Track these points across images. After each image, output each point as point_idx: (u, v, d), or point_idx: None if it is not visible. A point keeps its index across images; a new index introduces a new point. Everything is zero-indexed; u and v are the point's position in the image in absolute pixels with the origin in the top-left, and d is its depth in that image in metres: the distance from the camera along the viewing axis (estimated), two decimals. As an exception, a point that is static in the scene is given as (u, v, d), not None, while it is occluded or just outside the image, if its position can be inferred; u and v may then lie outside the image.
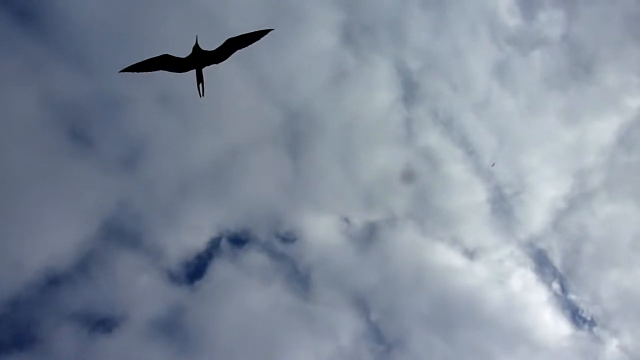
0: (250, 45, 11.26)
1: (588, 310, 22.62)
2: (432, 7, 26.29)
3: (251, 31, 11.07)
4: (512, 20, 26.05)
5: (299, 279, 22.90)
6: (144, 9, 23.43)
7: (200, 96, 11.98)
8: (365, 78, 26.17)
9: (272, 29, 11.18)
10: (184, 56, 11.13)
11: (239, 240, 23.23)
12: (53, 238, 21.29)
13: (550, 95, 25.79)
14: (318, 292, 22.76)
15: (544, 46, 25.97)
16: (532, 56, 26.12)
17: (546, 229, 24.17)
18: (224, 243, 23.03)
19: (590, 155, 24.59)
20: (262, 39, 11.23)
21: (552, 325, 22.85)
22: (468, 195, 25.00)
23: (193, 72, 11.71)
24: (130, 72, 11.30)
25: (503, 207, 24.63)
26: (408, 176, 24.23)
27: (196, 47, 10.93)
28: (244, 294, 22.47)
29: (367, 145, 25.63)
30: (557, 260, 23.77)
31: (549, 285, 23.44)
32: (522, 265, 23.77)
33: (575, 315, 22.73)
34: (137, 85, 24.03)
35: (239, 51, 11.38)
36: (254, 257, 23.10)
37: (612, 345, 22.24)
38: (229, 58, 11.33)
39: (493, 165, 24.60)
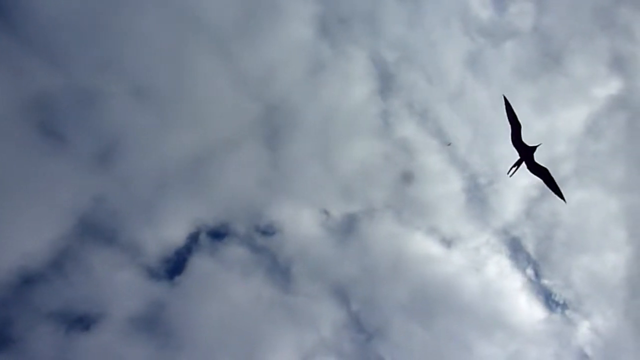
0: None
1: (561, 294, 23.29)
2: (407, -1, 26.61)
3: None
4: (484, 12, 26.54)
5: (280, 271, 22.97)
6: (116, 1, 23.00)
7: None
8: (341, 70, 26.32)
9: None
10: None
11: (218, 234, 23.15)
12: (26, 236, 20.80)
13: (522, 85, 26.38)
14: (299, 284, 22.87)
15: (515, 37, 26.56)
16: (503, 47, 26.68)
17: (519, 216, 24.76)
18: (203, 237, 22.91)
19: (561, 144, 25.26)
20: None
21: (527, 309, 23.47)
22: (444, 185, 25.43)
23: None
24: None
25: (478, 196, 25.14)
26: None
27: None
28: (224, 287, 22.41)
29: (344, 137, 25.81)
30: (530, 246, 24.40)
31: (523, 271, 24.06)
32: (497, 252, 24.33)
33: (549, 300, 23.39)
34: (110, 79, 23.60)
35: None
36: (234, 251, 23.05)
37: (584, 328, 22.97)
38: None
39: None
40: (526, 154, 13.88)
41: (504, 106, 14.34)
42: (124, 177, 22.93)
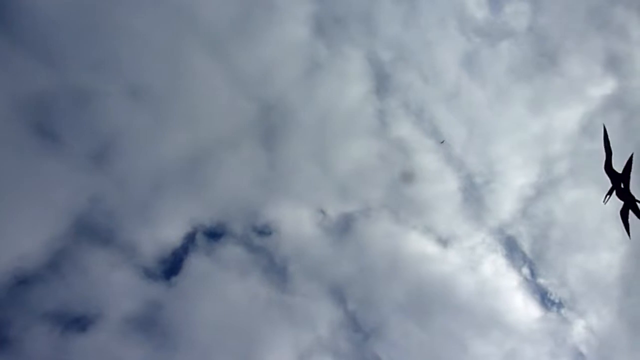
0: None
1: (556, 293, 23.42)
2: (402, -1, 26.65)
3: None
4: (479, 12, 26.63)
5: (276, 271, 22.99)
6: (111, 0, 22.94)
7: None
8: (338, 70, 26.34)
9: None
10: None
11: (214, 234, 23.15)
12: (22, 237, 20.72)
13: (517, 85, 26.50)
14: (295, 284, 22.90)
15: (511, 37, 26.66)
16: (499, 47, 26.78)
17: (515, 216, 24.88)
18: (199, 237, 22.89)
19: (556, 143, 25.40)
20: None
21: (523, 308, 23.60)
22: (440, 185, 25.52)
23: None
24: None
25: (474, 195, 25.24)
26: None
27: None
28: (221, 287, 22.40)
29: (341, 137, 25.85)
30: (526, 245, 24.52)
31: (519, 270, 24.17)
32: (493, 251, 24.43)
33: (544, 299, 23.52)
34: (106, 79, 23.52)
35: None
36: (231, 251, 23.05)
37: (579, 326, 23.11)
38: None
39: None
40: (617, 181, 13.55)
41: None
42: (120, 177, 22.90)
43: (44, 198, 21.76)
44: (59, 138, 22.38)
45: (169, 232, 22.51)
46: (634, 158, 13.46)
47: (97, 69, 22.94)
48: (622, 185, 13.33)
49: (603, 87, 25.49)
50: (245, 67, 25.47)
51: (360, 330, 22.13)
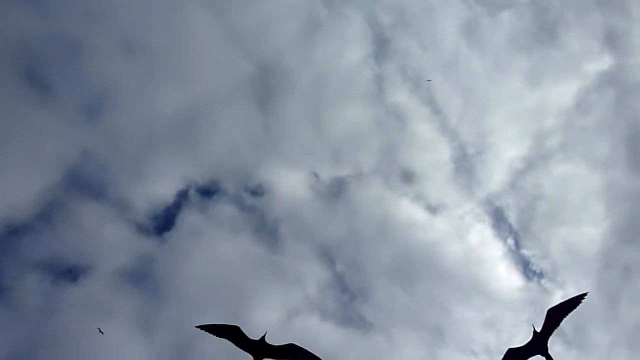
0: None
1: (538, 264, 23.99)
2: (405, -38, 26.08)
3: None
4: (482, -21, 26.22)
5: (268, 231, 23.23)
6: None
7: None
8: (337, 31, 25.95)
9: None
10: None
11: (207, 192, 23.21)
12: (12, 187, 20.59)
13: (516, 57, 26.41)
14: (286, 244, 23.20)
15: (512, 8, 26.38)
16: (500, 17, 26.51)
17: (504, 187, 25.21)
18: (192, 194, 22.95)
19: (550, 117, 25.55)
20: None
21: (505, 277, 24.21)
22: (433, 154, 25.68)
23: None
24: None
25: (465, 165, 25.47)
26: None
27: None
28: (213, 244, 22.65)
29: (337, 100, 25.71)
30: (512, 217, 24.94)
31: (504, 241, 24.67)
32: (480, 221, 24.84)
33: (527, 269, 24.11)
34: (99, 30, 22.96)
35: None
36: (223, 209, 23.20)
37: (558, 297, 23.76)
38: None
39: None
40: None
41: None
42: (112, 131, 22.67)
43: (34, 149, 21.55)
44: (50, 89, 22.02)
45: (162, 189, 22.56)
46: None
47: (90, 19, 22.38)
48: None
49: (600, 63, 25.55)
50: (243, 23, 24.99)
51: (348, 291, 22.65)
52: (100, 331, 16.75)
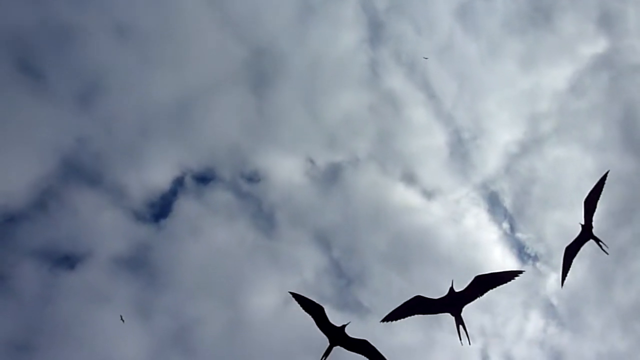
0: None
1: (533, 247, 24.17)
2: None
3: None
4: (476, -38, 26.04)
5: (264, 217, 23.30)
6: None
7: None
8: (331, 15, 25.76)
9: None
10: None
11: (203, 179, 23.23)
12: (6, 175, 20.54)
13: (510, 40, 26.31)
14: (282, 230, 23.29)
15: (507, -11, 26.21)
16: (494, 0, 26.37)
17: (499, 172, 25.29)
18: (188, 181, 22.97)
19: (544, 101, 25.57)
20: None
21: (500, 261, 24.37)
22: (428, 139, 25.70)
23: None
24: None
25: (460, 150, 25.51)
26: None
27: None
28: (209, 231, 22.71)
29: (331, 85, 25.61)
30: (507, 201, 25.07)
31: (500, 225, 24.82)
32: (475, 205, 24.96)
33: (521, 252, 24.30)
34: (90, 16, 22.72)
35: None
36: (219, 196, 23.23)
37: (552, 279, 24.02)
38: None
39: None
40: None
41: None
42: (106, 118, 22.56)
43: (29, 137, 21.45)
44: (43, 76, 21.85)
45: (158, 176, 22.55)
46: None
47: (82, 5, 22.13)
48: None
49: (594, 46, 25.49)
50: (236, 8, 24.78)
51: (344, 276, 22.81)
52: (122, 319, 16.82)
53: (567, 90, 25.32)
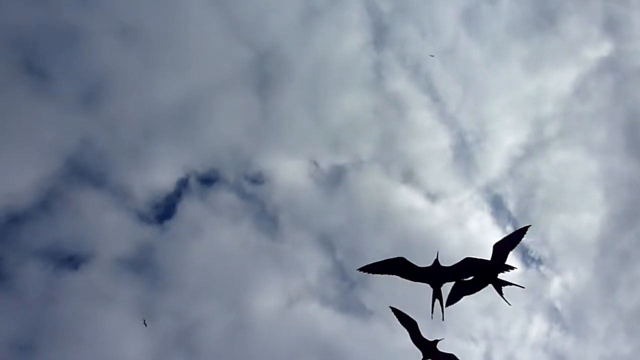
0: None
1: (537, 251, 24.05)
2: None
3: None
4: (481, -34, 26.07)
5: (268, 219, 23.30)
6: None
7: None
8: (336, 18, 25.80)
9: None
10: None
11: (207, 181, 23.27)
12: (11, 176, 20.61)
13: (515, 44, 26.32)
14: (286, 232, 23.28)
15: (512, -7, 26.21)
16: (499, 3, 26.37)
17: (503, 175, 25.23)
18: (192, 183, 23.00)
19: (548, 104, 25.54)
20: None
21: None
22: (432, 141, 25.66)
23: None
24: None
25: (464, 153, 25.45)
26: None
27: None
28: (213, 232, 22.72)
29: (336, 88, 25.64)
30: (511, 204, 24.98)
31: (504, 228, 24.68)
32: (479, 208, 24.87)
33: (525, 256, 24.14)
34: (96, 18, 22.83)
35: None
36: (223, 198, 23.25)
37: (556, 283, 23.95)
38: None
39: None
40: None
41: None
42: (111, 119, 22.65)
43: (34, 137, 21.54)
44: (48, 77, 21.96)
45: (162, 177, 22.59)
46: None
47: (88, 7, 22.26)
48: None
49: (599, 50, 25.48)
50: (241, 11, 24.86)
51: (347, 278, 22.74)
52: (144, 323, 16.87)
53: (572, 93, 25.31)
